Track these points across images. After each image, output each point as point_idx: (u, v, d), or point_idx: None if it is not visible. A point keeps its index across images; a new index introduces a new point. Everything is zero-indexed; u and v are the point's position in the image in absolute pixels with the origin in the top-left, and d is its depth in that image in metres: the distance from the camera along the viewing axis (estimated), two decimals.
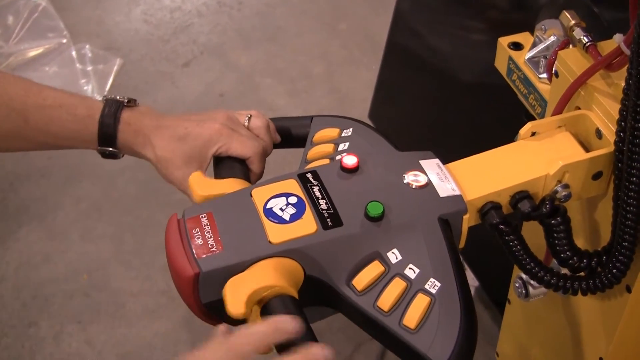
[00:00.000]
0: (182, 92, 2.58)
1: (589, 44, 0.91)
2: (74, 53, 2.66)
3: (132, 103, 0.96)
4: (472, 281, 1.99)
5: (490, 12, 1.55)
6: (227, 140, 0.92)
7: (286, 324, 0.69)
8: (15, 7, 2.74)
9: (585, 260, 0.87)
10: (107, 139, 0.94)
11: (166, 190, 2.22)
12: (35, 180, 2.32)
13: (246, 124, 0.97)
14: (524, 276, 1.02)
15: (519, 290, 1.04)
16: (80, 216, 2.22)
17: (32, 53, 2.66)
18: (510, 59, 1.15)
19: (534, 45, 1.12)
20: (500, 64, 1.19)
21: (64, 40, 2.70)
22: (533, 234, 0.96)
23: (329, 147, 0.90)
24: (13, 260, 2.11)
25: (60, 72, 2.61)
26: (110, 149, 0.95)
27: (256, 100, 2.47)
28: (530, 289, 1.03)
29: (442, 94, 1.78)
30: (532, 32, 1.15)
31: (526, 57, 1.12)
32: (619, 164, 0.82)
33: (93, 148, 0.96)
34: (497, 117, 1.46)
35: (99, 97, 2.75)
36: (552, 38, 1.08)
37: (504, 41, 1.17)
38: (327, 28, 2.76)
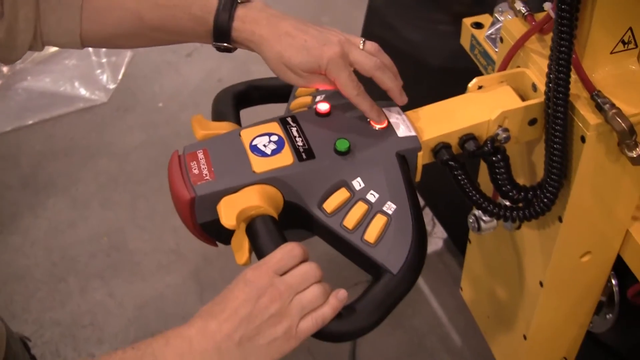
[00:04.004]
0: (185, 79, 2.61)
1: (527, 13, 0.95)
2: (90, 48, 2.68)
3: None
4: (442, 234, 2.04)
5: (455, 7, 1.59)
6: (338, 72, 0.85)
7: (295, 250, 0.73)
8: None
9: (522, 193, 0.91)
10: (222, 35, 0.89)
11: None
12: (60, 158, 2.37)
13: (361, 47, 0.89)
14: (476, 213, 1.06)
15: (473, 225, 1.07)
16: (99, 188, 2.27)
17: (54, 48, 2.68)
18: (473, 36, 1.20)
19: (493, 24, 1.17)
20: (465, 41, 1.24)
21: None
22: (484, 178, 1.00)
23: (308, 99, 0.93)
24: (43, 227, 2.15)
25: (78, 65, 2.63)
26: (225, 44, 0.90)
27: None
28: (482, 223, 1.06)
29: (414, 77, 1.81)
30: (492, 14, 1.19)
31: (485, 34, 1.17)
32: (548, 110, 0.86)
33: (208, 42, 0.92)
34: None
35: (113, 85, 2.70)
36: (508, 17, 1.12)
37: (467, 21, 1.22)
38: (311, 20, 2.74)
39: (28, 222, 2.17)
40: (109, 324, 1.90)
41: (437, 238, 2.05)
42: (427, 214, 2.02)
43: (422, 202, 1.92)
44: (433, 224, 2.06)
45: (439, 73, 1.68)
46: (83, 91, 2.56)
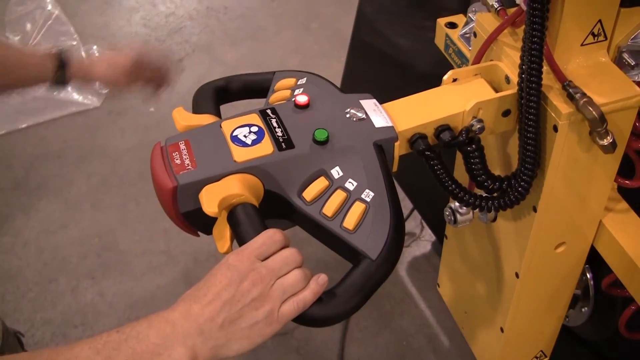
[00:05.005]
0: (176, 84, 2.61)
1: (499, 8, 0.97)
2: (83, 54, 2.69)
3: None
4: (430, 237, 2.05)
5: (441, 14, 1.61)
6: None
7: (276, 235, 0.73)
8: (32, 16, 2.78)
9: (497, 183, 0.92)
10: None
11: None
12: (52, 160, 2.37)
13: None
14: (452, 205, 1.07)
15: (449, 217, 1.07)
16: (91, 190, 2.27)
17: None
18: (447, 35, 1.21)
19: (466, 24, 1.18)
20: (439, 41, 1.25)
21: (74, 43, 2.74)
22: (461, 173, 1.01)
23: (287, 93, 0.94)
24: (35, 228, 2.15)
25: None
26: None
27: None
28: (458, 216, 1.07)
29: (401, 82, 1.83)
30: (466, 15, 1.21)
31: (459, 34, 1.18)
32: (522, 100, 0.87)
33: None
34: None
35: (106, 90, 2.81)
36: None
37: (441, 21, 1.23)
38: (301, 27, 2.80)
39: (20, 223, 2.17)
40: (100, 323, 1.90)
41: (425, 241, 2.06)
42: (416, 218, 2.03)
43: (410, 206, 1.94)
44: (422, 227, 2.07)
45: (427, 79, 1.68)
46: (76, 95, 2.56)
